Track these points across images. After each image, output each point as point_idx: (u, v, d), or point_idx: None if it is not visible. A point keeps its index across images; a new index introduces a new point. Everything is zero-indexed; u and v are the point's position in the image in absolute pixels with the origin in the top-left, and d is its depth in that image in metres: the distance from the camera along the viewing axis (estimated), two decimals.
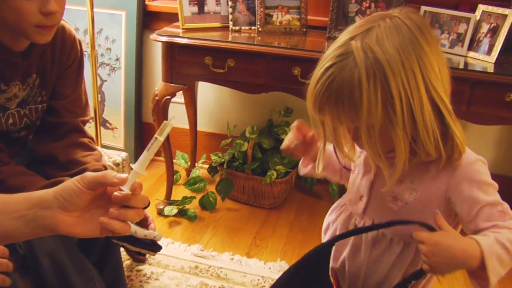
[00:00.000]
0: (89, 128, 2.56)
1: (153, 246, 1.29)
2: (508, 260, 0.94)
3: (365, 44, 0.92)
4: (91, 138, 1.53)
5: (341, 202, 1.25)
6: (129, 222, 1.23)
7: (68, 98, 1.48)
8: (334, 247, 1.12)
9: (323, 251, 1.10)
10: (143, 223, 1.34)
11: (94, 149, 1.50)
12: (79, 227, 0.84)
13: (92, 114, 2.51)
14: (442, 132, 0.97)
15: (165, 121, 0.83)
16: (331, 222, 1.24)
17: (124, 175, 0.82)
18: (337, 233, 1.20)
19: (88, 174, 0.82)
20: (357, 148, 1.15)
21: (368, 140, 0.95)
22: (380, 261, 1.12)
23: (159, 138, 0.83)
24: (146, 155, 0.83)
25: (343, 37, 0.97)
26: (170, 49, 2.14)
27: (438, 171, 1.03)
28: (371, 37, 0.93)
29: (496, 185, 1.03)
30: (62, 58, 1.43)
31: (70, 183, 0.83)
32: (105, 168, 1.44)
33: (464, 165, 1.02)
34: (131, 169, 0.85)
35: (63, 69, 1.45)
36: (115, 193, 0.82)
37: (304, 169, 1.28)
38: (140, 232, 1.25)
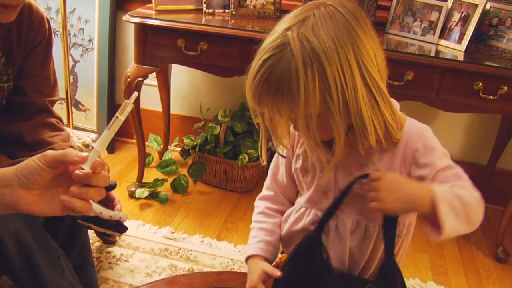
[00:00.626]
0: (61, 110, 2.55)
1: (119, 227, 1.29)
2: (461, 209, 0.93)
3: (301, 34, 0.92)
4: (59, 119, 1.51)
5: (295, 209, 1.23)
6: (94, 203, 1.24)
7: (36, 78, 1.46)
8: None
9: (314, 239, 1.10)
10: (109, 204, 1.34)
11: (61, 130, 1.48)
12: (40, 205, 0.84)
13: (63, 95, 2.48)
14: (378, 118, 0.99)
15: (126, 100, 0.83)
16: (296, 231, 1.21)
17: (84, 154, 0.82)
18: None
19: (49, 152, 0.82)
20: (301, 150, 1.16)
21: (305, 130, 0.96)
22: (361, 247, 1.13)
23: (119, 117, 0.82)
24: (107, 134, 0.82)
25: (279, 27, 0.97)
26: (143, 30, 2.13)
27: (391, 149, 1.05)
28: (306, 27, 0.93)
29: (446, 151, 1.06)
30: (29, 37, 1.40)
31: (31, 161, 0.82)
32: (72, 148, 1.42)
33: (414, 135, 1.04)
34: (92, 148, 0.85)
35: (30, 48, 1.42)
36: (76, 171, 0.82)
37: None
38: (105, 212, 1.25)
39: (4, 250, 1.26)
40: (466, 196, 0.95)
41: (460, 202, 0.94)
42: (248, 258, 1.20)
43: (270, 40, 0.96)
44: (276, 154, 1.23)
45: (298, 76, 0.91)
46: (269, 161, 1.23)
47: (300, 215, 1.20)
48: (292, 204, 1.26)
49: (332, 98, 0.92)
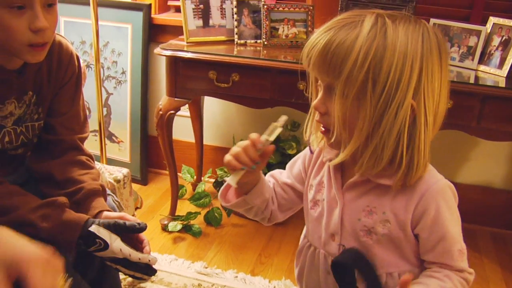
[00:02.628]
0: (95, 142, 2.56)
1: (148, 270, 1.25)
2: None
3: (381, 19, 0.91)
4: (90, 156, 1.49)
5: (305, 245, 1.18)
6: (123, 245, 1.21)
7: (65, 115, 1.45)
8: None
9: None
10: (139, 245, 1.30)
11: (91, 167, 1.46)
12: None
13: (96, 127, 2.49)
14: (406, 146, 0.93)
15: (273, 123, 0.88)
16: (309, 273, 1.16)
17: None
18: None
19: None
20: (315, 181, 1.12)
21: (338, 105, 0.92)
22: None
23: (269, 139, 0.91)
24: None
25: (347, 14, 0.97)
26: (174, 63, 2.12)
27: (404, 194, 0.99)
28: (391, 19, 0.91)
29: (460, 220, 1.01)
30: (58, 75, 1.40)
31: None
32: (102, 187, 1.40)
33: (434, 190, 0.98)
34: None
35: (59, 86, 1.41)
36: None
37: (231, 200, 1.16)
38: (134, 255, 1.22)
39: None
40: None
41: None
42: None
43: (341, 17, 0.95)
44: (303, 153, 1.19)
45: (356, 42, 0.88)
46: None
47: (311, 255, 1.15)
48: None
49: (375, 89, 0.89)
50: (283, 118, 0.97)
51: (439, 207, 0.97)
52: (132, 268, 1.24)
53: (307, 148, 1.17)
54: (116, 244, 1.21)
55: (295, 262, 1.22)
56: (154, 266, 1.27)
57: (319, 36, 0.94)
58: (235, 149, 1.02)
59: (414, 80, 0.89)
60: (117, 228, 1.23)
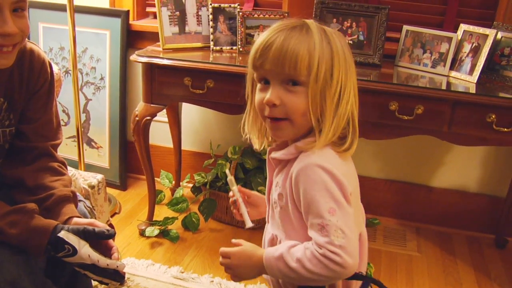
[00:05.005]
0: (74, 148, 2.56)
1: (116, 276, 1.26)
2: (287, 272, 1.05)
3: (319, 25, 1.07)
4: (62, 162, 1.50)
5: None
6: (91, 251, 1.22)
7: (38, 122, 1.45)
8: None
9: None
10: (108, 252, 1.32)
11: (63, 174, 1.46)
12: None
13: (75, 133, 2.49)
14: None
15: (227, 178, 1.25)
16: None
17: None
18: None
19: None
20: None
21: (312, 93, 1.04)
22: None
23: (233, 188, 1.24)
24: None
25: (287, 21, 1.09)
26: (150, 69, 2.13)
27: (286, 169, 1.11)
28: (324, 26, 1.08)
29: (331, 197, 1.03)
30: (30, 82, 1.40)
31: None
32: (73, 193, 1.41)
33: (304, 164, 1.05)
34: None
35: (31, 92, 1.42)
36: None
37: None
38: (102, 261, 1.23)
39: None
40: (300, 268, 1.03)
41: (288, 269, 1.05)
42: None
43: (284, 22, 1.08)
44: None
45: (314, 41, 1.03)
46: None
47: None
48: None
49: (332, 83, 1.04)
50: (227, 172, 1.32)
51: (300, 182, 1.04)
52: (100, 274, 1.26)
53: None
54: (85, 250, 1.23)
55: None
56: (125, 270, 1.28)
57: (271, 37, 1.04)
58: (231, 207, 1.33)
59: (352, 81, 1.08)
60: (86, 234, 1.25)
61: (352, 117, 1.08)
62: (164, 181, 2.63)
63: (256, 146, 1.21)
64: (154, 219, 2.46)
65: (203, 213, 2.44)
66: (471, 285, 2.21)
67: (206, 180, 2.48)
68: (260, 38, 1.07)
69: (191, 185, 2.68)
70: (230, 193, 1.30)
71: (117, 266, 1.24)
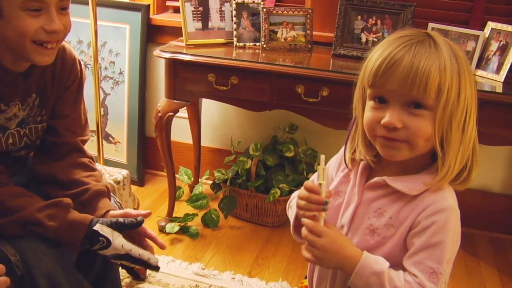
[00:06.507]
0: (92, 142, 2.56)
1: (148, 266, 1.31)
2: None
3: (444, 38, 1.00)
4: (91, 158, 1.51)
5: None
6: (125, 241, 1.26)
7: (68, 118, 1.47)
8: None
9: None
10: (142, 244, 1.34)
11: (94, 169, 1.48)
12: None
13: (94, 128, 2.48)
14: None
15: (319, 166, 1.01)
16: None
17: None
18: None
19: None
20: (337, 174, 1.17)
21: (439, 118, 0.97)
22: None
23: (323, 182, 1.00)
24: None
25: (407, 31, 1.01)
26: (173, 65, 2.12)
27: (411, 205, 1.03)
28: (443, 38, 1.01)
29: (453, 247, 1.01)
30: (62, 79, 1.42)
31: None
32: (107, 188, 1.42)
33: (437, 206, 1.00)
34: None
35: (63, 89, 1.43)
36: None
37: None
38: (135, 250, 1.27)
39: None
40: None
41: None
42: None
43: (403, 34, 1.00)
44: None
45: (444, 59, 0.95)
46: None
47: None
48: None
49: (459, 102, 0.96)
50: (323, 158, 1.03)
51: (434, 222, 0.99)
52: (136, 263, 1.30)
53: (338, 157, 1.21)
54: (118, 241, 1.26)
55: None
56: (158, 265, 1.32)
57: (396, 53, 0.96)
58: (300, 202, 1.06)
59: (474, 95, 1.01)
60: (118, 225, 1.28)
61: (474, 144, 1.02)
62: (183, 177, 2.62)
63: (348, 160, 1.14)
64: (173, 215, 2.46)
65: (223, 210, 2.43)
66: (495, 286, 2.19)
67: (226, 177, 2.47)
68: (379, 53, 0.98)
69: (210, 182, 2.67)
70: (309, 184, 1.06)
71: (149, 259, 1.29)
